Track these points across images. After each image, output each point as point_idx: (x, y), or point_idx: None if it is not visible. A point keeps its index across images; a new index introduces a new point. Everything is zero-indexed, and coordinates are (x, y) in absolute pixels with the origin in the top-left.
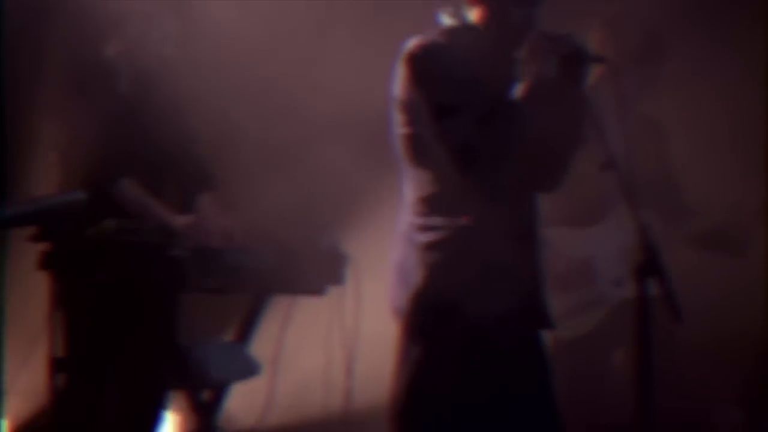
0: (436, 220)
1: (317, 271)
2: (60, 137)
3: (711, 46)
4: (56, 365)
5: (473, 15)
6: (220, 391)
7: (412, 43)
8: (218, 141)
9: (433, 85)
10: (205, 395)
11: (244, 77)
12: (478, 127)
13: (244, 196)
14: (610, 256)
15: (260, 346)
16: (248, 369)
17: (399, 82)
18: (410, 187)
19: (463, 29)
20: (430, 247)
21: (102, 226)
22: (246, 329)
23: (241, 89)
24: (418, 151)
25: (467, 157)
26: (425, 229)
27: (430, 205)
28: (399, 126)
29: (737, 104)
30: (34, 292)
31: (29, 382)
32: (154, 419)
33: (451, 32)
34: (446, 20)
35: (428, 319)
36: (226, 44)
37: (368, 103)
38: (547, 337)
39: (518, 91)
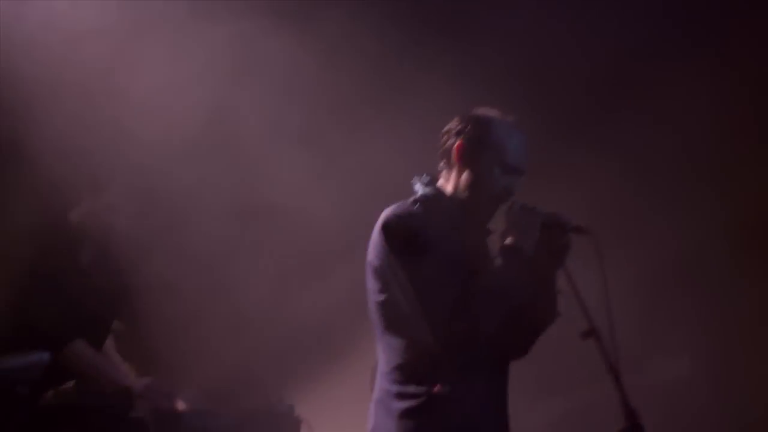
0: (411, 388)
1: None
2: (13, 295)
3: None
4: None
5: (452, 181)
6: None
7: (388, 211)
8: (173, 312)
9: (411, 256)
10: None
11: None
12: (456, 298)
13: (203, 360)
14: None
15: None
16: None
17: (374, 250)
18: (384, 354)
19: (439, 198)
20: (405, 415)
21: (61, 389)
22: None
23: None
24: (393, 319)
25: (446, 329)
26: (400, 397)
27: (405, 373)
28: (373, 293)
29: None
30: None
31: None
32: None
33: (426, 201)
34: (421, 188)
35: None
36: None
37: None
38: None
39: (498, 262)
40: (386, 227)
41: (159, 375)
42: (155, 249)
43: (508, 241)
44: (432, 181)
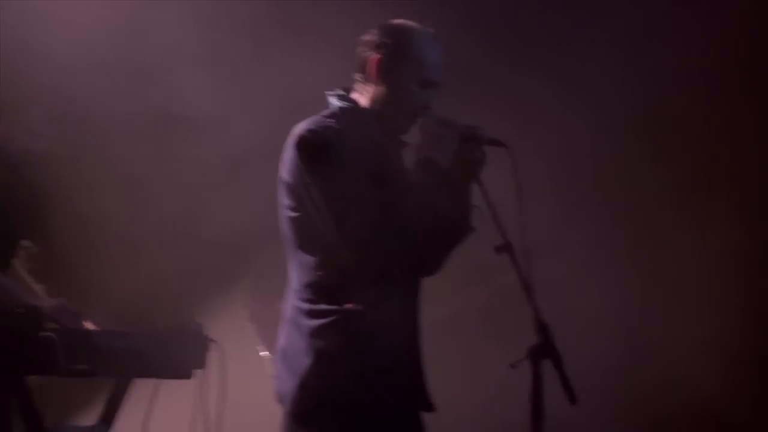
0: (323, 306)
1: (183, 354)
2: None
3: None
4: None
5: (367, 95)
6: None
7: (301, 126)
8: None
9: (326, 171)
10: None
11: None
12: (372, 212)
13: (113, 279)
14: None
15: (124, 430)
16: None
17: (287, 166)
18: (296, 272)
19: (355, 111)
20: (317, 333)
21: None
22: (110, 413)
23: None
24: (306, 236)
25: (361, 245)
26: (312, 314)
27: (317, 290)
28: (286, 210)
29: None
30: None
31: None
32: None
33: (342, 114)
34: (336, 102)
35: (315, 407)
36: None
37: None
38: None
39: (414, 175)
40: (300, 142)
41: (69, 295)
42: (70, 168)
43: (424, 153)
44: (347, 94)
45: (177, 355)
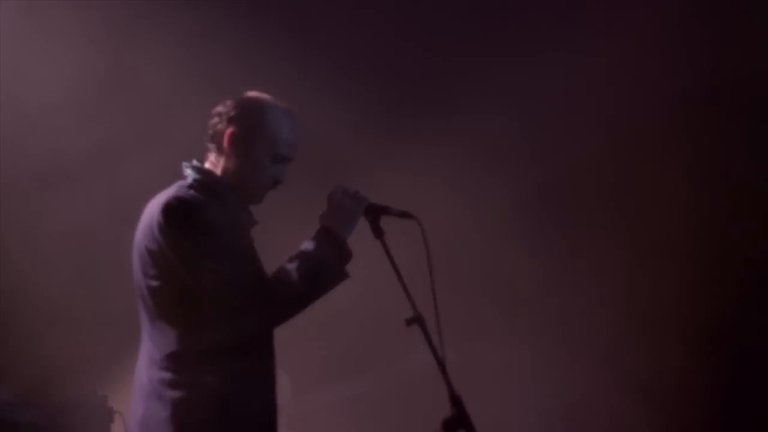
0: (185, 376)
1: (87, 426)
2: None
3: None
4: None
5: (220, 165)
6: None
7: (167, 194)
8: None
9: (197, 234)
10: None
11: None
12: (240, 275)
13: (13, 353)
14: None
15: None
16: None
17: (151, 234)
18: (155, 342)
19: (213, 183)
20: (179, 403)
21: None
22: None
23: None
24: (168, 305)
25: (230, 307)
26: (174, 385)
27: (178, 360)
28: (146, 278)
29: None
30: None
31: None
32: None
33: (200, 185)
34: (191, 172)
35: None
36: None
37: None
38: None
39: (312, 244)
40: (167, 209)
41: None
42: None
43: (327, 223)
44: (201, 166)
45: (81, 427)
